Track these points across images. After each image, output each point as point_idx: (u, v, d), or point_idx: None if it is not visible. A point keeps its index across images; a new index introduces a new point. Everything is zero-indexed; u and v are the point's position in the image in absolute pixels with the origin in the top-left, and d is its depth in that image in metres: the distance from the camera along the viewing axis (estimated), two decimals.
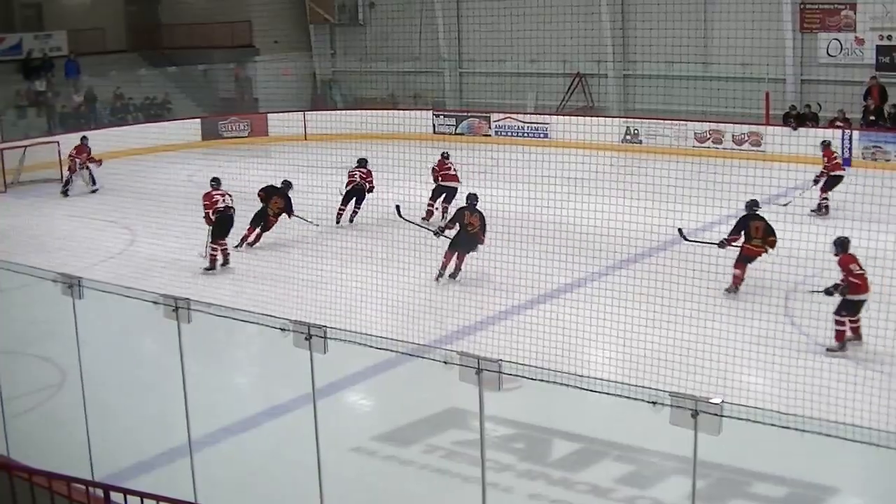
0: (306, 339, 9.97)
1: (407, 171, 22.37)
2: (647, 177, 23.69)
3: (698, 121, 37.17)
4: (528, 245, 18.82)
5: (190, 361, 10.98)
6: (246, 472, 12.76)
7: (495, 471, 11.57)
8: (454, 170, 25.94)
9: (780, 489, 11.86)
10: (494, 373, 9.26)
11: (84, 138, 32.54)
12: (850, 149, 34.42)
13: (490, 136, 40.16)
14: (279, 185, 23.91)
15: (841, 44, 37.78)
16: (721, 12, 35.98)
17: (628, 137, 37.93)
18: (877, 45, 37.02)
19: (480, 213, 20.55)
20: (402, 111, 40.75)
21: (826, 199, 25.92)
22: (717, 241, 19.71)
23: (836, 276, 16.63)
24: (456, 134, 40.47)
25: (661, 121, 37.72)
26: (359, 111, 41.25)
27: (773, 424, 8.95)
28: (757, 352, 14.68)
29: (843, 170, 27.11)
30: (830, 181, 26.11)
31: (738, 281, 19.39)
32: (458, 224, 20.48)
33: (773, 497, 11.74)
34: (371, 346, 10.40)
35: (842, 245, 16.86)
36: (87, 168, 31.71)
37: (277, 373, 15.26)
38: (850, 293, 16.26)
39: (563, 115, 40.09)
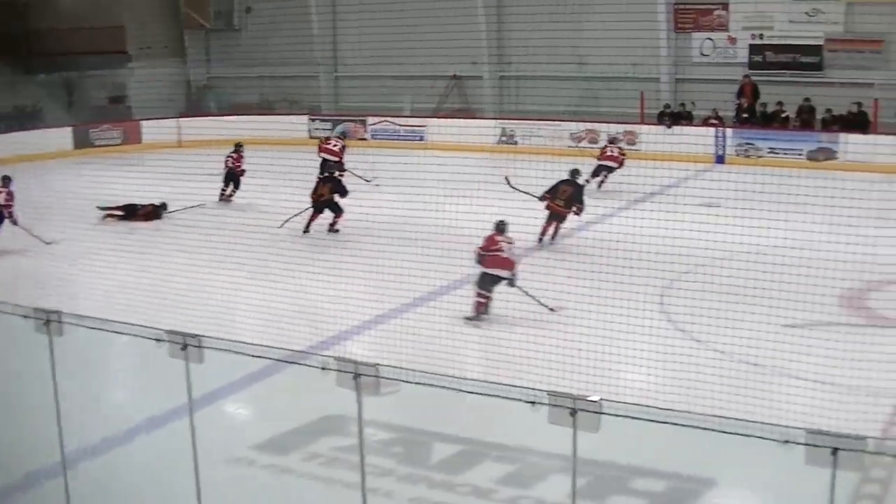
0: (182, 349, 9.79)
1: (280, 176, 22.20)
2: (523, 178, 23.75)
3: (574, 121, 37.45)
4: (405, 248, 18.75)
5: (62, 376, 10.72)
6: (122, 488, 12.51)
7: (376, 476, 11.47)
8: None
9: (659, 483, 11.93)
10: (372, 377, 9.18)
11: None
12: (723, 146, 34.97)
13: (366, 139, 40.04)
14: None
15: (714, 43, 38.37)
16: (596, 13, 36.27)
17: (504, 139, 38.08)
18: (749, 45, 37.81)
19: None
20: (277, 116, 40.55)
21: None
22: (539, 196, 22.26)
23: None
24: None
25: (537, 121, 37.91)
26: (234, 116, 40.84)
27: (651, 420, 8.98)
28: (634, 348, 14.73)
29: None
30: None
31: (542, 233, 22.96)
32: None
33: (654, 492, 11.80)
34: (247, 355, 10.27)
35: (498, 226, 18.28)
36: None
37: (153, 385, 14.98)
38: (487, 266, 17.60)
39: (440, 118, 40.12)
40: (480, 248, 18.17)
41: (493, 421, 12.15)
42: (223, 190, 29.42)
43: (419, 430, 13.33)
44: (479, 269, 18.01)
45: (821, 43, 36.78)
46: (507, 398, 9.13)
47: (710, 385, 12.87)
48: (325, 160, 29.32)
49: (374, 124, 40.35)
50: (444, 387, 9.56)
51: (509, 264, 18.04)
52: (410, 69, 41.43)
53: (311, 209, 24.83)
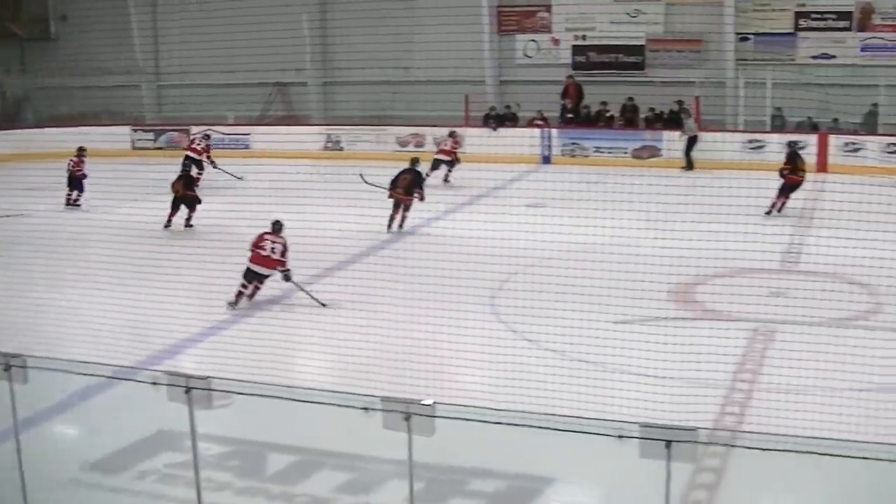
0: (4, 369, 9.51)
1: (105, 187, 21.77)
2: (348, 183, 23.70)
3: (399, 125, 37.47)
4: (232, 258, 18.56)
5: None
6: None
7: (212, 490, 11.26)
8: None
9: (498, 483, 11.93)
10: (204, 390, 9.04)
11: None
12: (549, 147, 35.32)
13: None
14: None
15: (538, 44, 38.76)
16: (421, 17, 36.35)
17: (329, 145, 37.92)
18: (573, 46, 38.38)
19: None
20: (98, 127, 39.71)
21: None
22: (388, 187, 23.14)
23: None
24: (156, 148, 39.68)
25: (362, 127, 37.84)
26: (53, 128, 39.78)
27: (485, 421, 8.99)
28: (467, 350, 14.74)
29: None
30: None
31: (390, 222, 23.99)
32: None
33: (492, 492, 11.81)
34: (74, 372, 10.02)
35: (273, 225, 19.13)
36: None
37: None
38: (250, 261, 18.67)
39: (264, 125, 39.81)
40: (251, 243, 18.95)
41: (329, 429, 12.03)
42: (69, 195, 29.34)
43: (255, 442, 13.13)
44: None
45: (642, 43, 37.51)
46: (341, 405, 9.06)
47: (544, 384, 12.93)
48: (186, 157, 30.52)
49: (197, 133, 39.72)
50: (277, 397, 9.47)
51: (269, 262, 18.81)
52: (234, 77, 41.00)
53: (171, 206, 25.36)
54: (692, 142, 33.65)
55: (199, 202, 25.24)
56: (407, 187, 24.47)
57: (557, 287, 16.26)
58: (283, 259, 18.93)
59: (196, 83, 41.78)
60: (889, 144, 31.27)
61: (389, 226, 24.14)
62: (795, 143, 28.04)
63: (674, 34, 37.17)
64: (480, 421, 9.03)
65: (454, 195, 24.73)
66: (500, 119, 37.14)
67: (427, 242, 20.50)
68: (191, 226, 25.01)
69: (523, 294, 16.95)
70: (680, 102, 35.22)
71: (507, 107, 37.67)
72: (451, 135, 32.74)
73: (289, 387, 10.06)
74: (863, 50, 35.26)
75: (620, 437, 8.34)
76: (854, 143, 32.11)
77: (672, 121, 35.14)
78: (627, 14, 37.51)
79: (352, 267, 20.70)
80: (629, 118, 35.97)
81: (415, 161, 25.54)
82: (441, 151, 31.78)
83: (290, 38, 37.85)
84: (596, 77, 37.69)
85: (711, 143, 32.25)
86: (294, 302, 18.56)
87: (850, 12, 35.26)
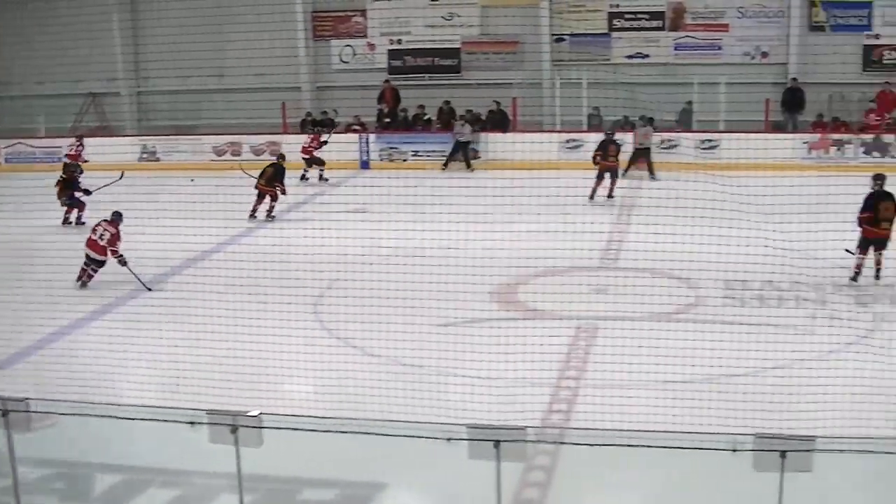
0: None
1: None
2: (172, 195, 23.34)
3: (215, 134, 37.03)
4: (47, 276, 18.12)
5: None
6: None
7: None
8: None
9: (330, 492, 11.83)
10: (22, 412, 8.79)
11: None
12: (367, 151, 35.29)
13: (1, 164, 38.35)
14: None
15: (354, 50, 38.73)
16: (235, 24, 35.99)
17: (145, 155, 37.28)
18: (388, 50, 38.29)
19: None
20: None
21: None
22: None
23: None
24: None
25: (178, 136, 37.30)
26: None
27: (313, 430, 8.90)
28: (292, 359, 14.61)
29: None
30: None
31: (253, 210, 25.30)
32: None
33: (324, 500, 11.71)
34: None
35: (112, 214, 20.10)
36: None
37: None
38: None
39: (77, 137, 38.97)
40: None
41: (155, 445, 11.81)
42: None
43: (79, 463, 12.78)
44: None
45: (458, 46, 37.69)
46: (166, 421, 8.90)
47: (371, 390, 12.89)
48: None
49: (7, 147, 38.67)
50: (99, 415, 9.25)
51: (97, 248, 20.17)
52: (44, 88, 40.05)
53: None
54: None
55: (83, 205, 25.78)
56: (268, 179, 26.14)
57: (380, 292, 16.24)
58: (111, 247, 20.12)
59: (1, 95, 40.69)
60: (704, 140, 31.96)
61: (253, 215, 25.78)
62: (611, 132, 28.56)
63: (489, 36, 37.50)
64: (308, 430, 8.94)
65: (278, 203, 24.45)
66: (318, 125, 36.97)
67: (248, 252, 20.27)
68: (82, 223, 25.27)
69: (346, 300, 16.89)
70: (497, 104, 35.49)
71: (325, 112, 37.50)
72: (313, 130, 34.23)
73: (112, 404, 9.83)
74: (676, 49, 36.08)
75: (449, 439, 8.34)
76: (670, 140, 32.79)
77: (493, 122, 35.35)
78: (443, 17, 37.71)
79: (173, 279, 20.36)
80: (446, 121, 36.07)
81: (280, 157, 27.43)
82: (303, 150, 32.54)
83: (101, 48, 37.22)
84: (412, 81, 37.82)
85: (530, 144, 32.51)
86: (115, 317, 18.17)
87: (663, 12, 36.05)
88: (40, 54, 35.86)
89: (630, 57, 36.39)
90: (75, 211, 26.27)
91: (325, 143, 32.19)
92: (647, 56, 36.35)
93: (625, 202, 26.00)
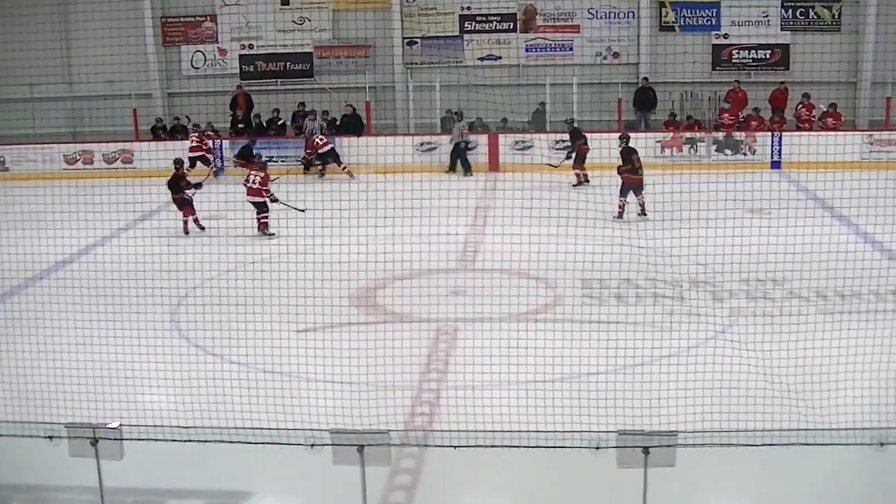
0: None
1: None
2: (17, 205, 22.90)
3: (65, 143, 36.44)
4: None
5: None
6: None
7: None
8: None
9: (196, 502, 11.73)
10: None
11: None
12: (221, 158, 35.02)
13: None
14: None
15: (204, 55, 38.43)
16: (82, 30, 35.40)
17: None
18: (240, 55, 38.11)
19: None
20: None
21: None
22: None
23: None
24: None
25: (28, 145, 36.58)
26: None
27: (174, 440, 8.83)
28: (151, 369, 14.46)
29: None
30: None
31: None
32: None
33: None
34: None
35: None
36: None
37: None
38: None
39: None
40: None
41: (14, 461, 11.58)
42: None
43: None
44: None
45: (310, 50, 37.60)
46: (24, 436, 8.77)
47: (232, 397, 12.79)
48: None
49: None
50: None
51: (254, 192, 22.84)
52: None
53: None
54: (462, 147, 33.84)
55: None
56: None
57: (239, 299, 16.16)
58: (263, 187, 22.73)
59: None
60: (557, 141, 32.27)
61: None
62: (627, 137, 28.24)
63: (341, 40, 37.50)
64: (169, 440, 8.86)
65: (126, 211, 24.13)
66: (171, 132, 36.57)
67: (102, 262, 19.97)
68: None
69: (204, 308, 16.74)
70: (352, 107, 35.43)
71: (177, 119, 37.12)
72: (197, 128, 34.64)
73: None
74: (527, 50, 36.45)
75: (313, 445, 8.33)
76: (524, 142, 33.11)
77: (348, 126, 35.28)
78: (294, 22, 37.64)
79: (26, 291, 20.00)
80: (300, 125, 35.91)
81: (178, 162, 25.99)
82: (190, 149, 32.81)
83: None
84: (265, 86, 37.66)
85: (384, 147, 32.56)
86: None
87: (514, 14, 36.40)
88: None
89: (482, 59, 36.70)
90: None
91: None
92: (499, 58, 36.69)
93: (480, 203, 26.15)
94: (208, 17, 38.46)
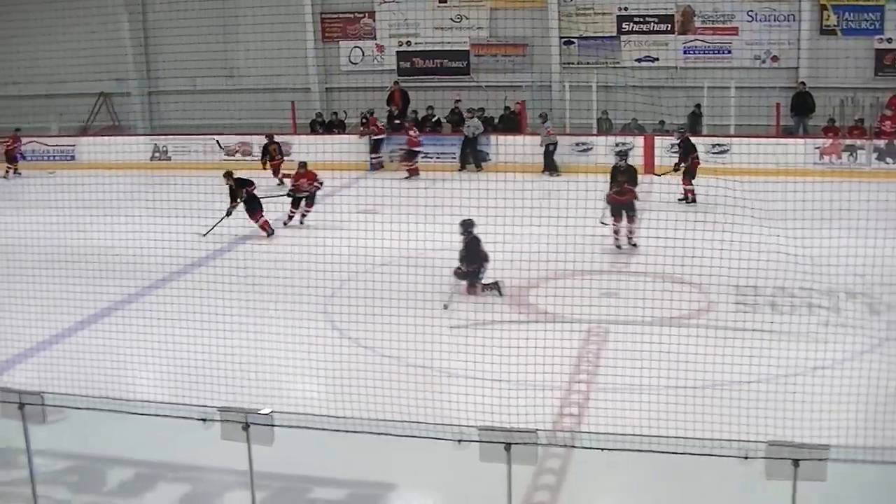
0: None
1: None
2: (177, 194, 23.34)
3: (226, 134, 37.08)
4: (61, 272, 18.16)
5: None
6: None
7: None
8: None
9: (340, 491, 11.86)
10: (37, 405, 8.82)
11: None
12: (382, 150, 35.35)
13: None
14: None
15: (362, 51, 38.79)
16: (245, 24, 36.11)
17: (157, 155, 37.31)
18: (397, 52, 38.37)
19: None
20: None
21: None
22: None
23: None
24: None
25: (189, 136, 37.34)
26: None
27: (323, 429, 8.92)
28: (303, 359, 14.62)
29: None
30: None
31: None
32: None
33: (335, 499, 11.73)
34: None
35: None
36: None
37: None
38: None
39: (89, 136, 39.09)
40: None
41: (167, 441, 11.84)
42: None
43: (92, 457, 12.83)
44: None
45: (467, 48, 37.68)
46: (178, 417, 8.92)
47: (382, 390, 12.88)
48: None
49: (23, 145, 38.75)
50: (112, 410, 9.29)
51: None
52: (57, 87, 40.23)
53: None
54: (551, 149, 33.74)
55: None
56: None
57: (391, 293, 16.25)
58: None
59: (16, 94, 40.77)
60: (714, 145, 31.91)
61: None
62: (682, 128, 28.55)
63: (498, 39, 37.51)
64: (319, 429, 8.96)
65: (284, 204, 24.47)
66: (328, 126, 36.99)
67: (259, 251, 20.31)
68: None
69: (357, 301, 16.89)
70: (508, 108, 35.52)
71: (335, 113, 37.54)
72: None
73: (125, 400, 9.86)
74: (685, 52, 36.03)
75: (460, 441, 8.35)
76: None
77: (505, 125, 35.30)
78: (451, 19, 37.76)
79: (184, 277, 20.41)
80: (456, 122, 36.05)
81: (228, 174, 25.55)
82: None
83: (113, 48, 37.28)
84: (421, 82, 37.88)
85: (540, 147, 32.56)
86: (127, 313, 18.21)
87: (672, 16, 36.00)
88: (53, 54, 35.90)
89: (639, 60, 36.39)
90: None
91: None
92: (656, 59, 36.35)
93: (638, 206, 25.95)
94: (367, 14, 38.83)
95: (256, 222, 24.30)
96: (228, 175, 24.85)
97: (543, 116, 33.78)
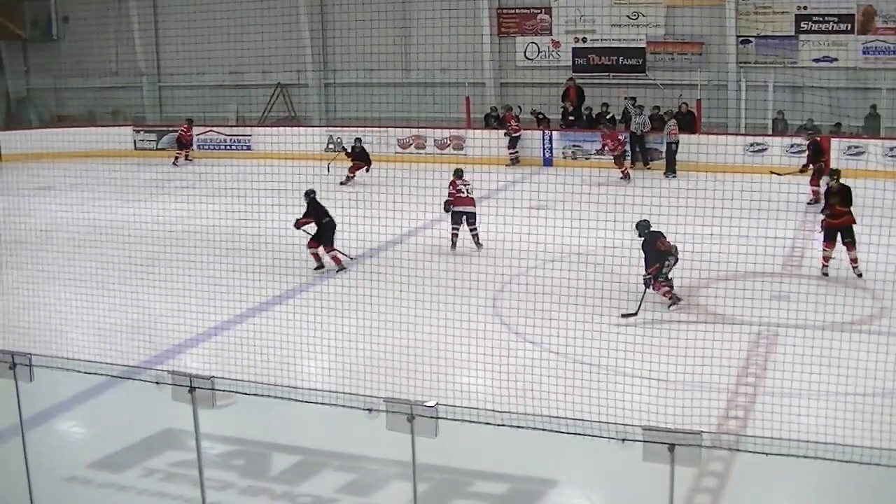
0: (10, 368, 9.54)
1: (110, 188, 21.76)
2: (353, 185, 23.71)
3: (400, 126, 37.46)
4: (235, 259, 18.59)
5: None
6: None
7: (216, 489, 11.30)
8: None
9: (501, 486, 11.94)
10: (207, 390, 9.05)
11: None
12: (550, 149, 35.31)
13: (193, 149, 39.36)
14: None
15: (538, 47, 38.79)
16: (420, 18, 36.41)
17: (331, 146, 37.81)
18: (573, 48, 38.27)
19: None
20: (100, 128, 39.76)
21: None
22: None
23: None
24: (158, 149, 39.73)
25: (364, 128, 37.77)
26: (56, 129, 39.87)
27: (487, 423, 9.00)
28: (470, 352, 14.74)
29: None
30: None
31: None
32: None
33: (495, 494, 11.81)
34: (79, 371, 10.02)
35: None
36: None
37: None
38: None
39: (266, 127, 39.84)
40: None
41: (332, 429, 12.05)
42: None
43: (258, 442, 13.15)
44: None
45: (643, 45, 37.44)
46: (344, 406, 9.07)
47: (546, 386, 12.94)
48: None
49: (200, 134, 39.70)
50: (280, 397, 9.47)
51: (469, 202, 22.36)
52: (235, 78, 41.14)
53: None
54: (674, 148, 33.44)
55: None
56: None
57: (560, 289, 16.28)
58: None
59: (196, 84, 41.77)
60: (892, 148, 31.19)
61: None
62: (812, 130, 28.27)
63: (674, 37, 37.16)
64: (483, 423, 9.04)
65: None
66: (502, 121, 37.10)
67: (429, 244, 20.50)
68: None
69: (525, 296, 16.97)
70: (685, 104, 35.17)
71: (509, 108, 37.64)
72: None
73: (292, 387, 10.05)
74: (864, 53, 35.24)
75: (624, 440, 8.35)
76: (857, 147, 32.01)
77: (681, 123, 34.99)
78: (627, 17, 37.49)
79: (356, 268, 20.72)
80: (627, 120, 35.82)
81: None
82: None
83: (291, 39, 37.92)
84: (596, 79, 37.77)
85: (714, 146, 32.14)
86: (297, 302, 18.56)
87: (852, 15, 35.21)
88: (231, 45, 36.63)
89: (817, 60, 35.70)
90: None
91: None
92: (835, 59, 35.59)
93: (810, 209, 25.57)
94: (543, 10, 38.80)
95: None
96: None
97: (669, 114, 33.94)
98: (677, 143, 33.00)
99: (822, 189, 24.01)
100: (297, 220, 20.84)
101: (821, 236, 19.88)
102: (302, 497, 11.76)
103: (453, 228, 22.50)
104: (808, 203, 26.25)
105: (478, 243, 22.20)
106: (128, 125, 41.62)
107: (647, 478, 8.62)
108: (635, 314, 17.34)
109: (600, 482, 11.68)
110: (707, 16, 35.45)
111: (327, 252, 20.85)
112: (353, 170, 31.62)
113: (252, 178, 21.92)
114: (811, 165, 27.35)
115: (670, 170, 32.64)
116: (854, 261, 19.34)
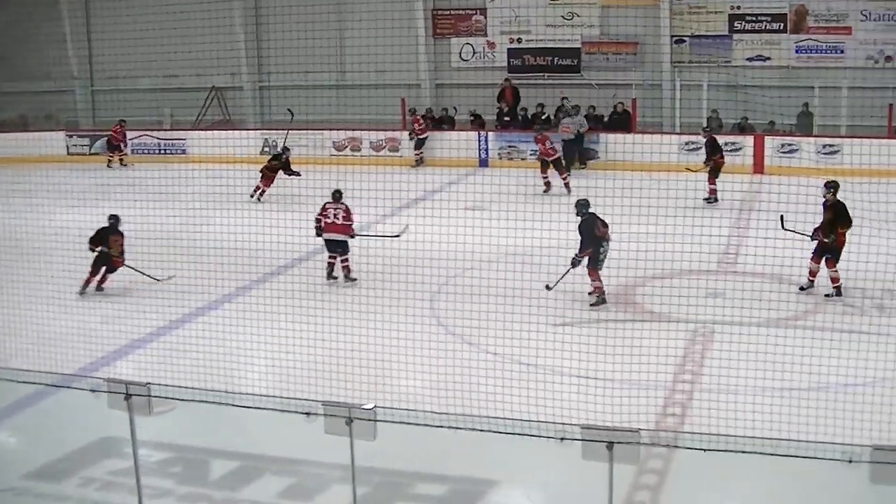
0: None
1: (45, 195, 21.57)
2: (289, 188, 23.61)
3: (335, 129, 37.34)
4: (172, 263, 18.48)
5: None
6: None
7: (154, 497, 11.20)
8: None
9: (441, 487, 11.92)
10: (144, 397, 9.00)
11: None
12: (486, 150, 35.37)
13: (126, 154, 39.00)
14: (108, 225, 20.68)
15: (473, 48, 38.86)
16: (355, 20, 36.33)
17: (267, 149, 37.60)
18: (508, 49, 38.37)
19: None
20: (32, 133, 39.31)
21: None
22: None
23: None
24: (91, 154, 39.34)
25: (299, 131, 37.60)
26: None
27: (426, 424, 9.00)
28: (407, 354, 14.72)
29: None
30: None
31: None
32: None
33: (436, 496, 11.80)
34: (12, 381, 9.94)
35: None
36: None
37: None
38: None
39: (201, 130, 39.59)
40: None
41: (271, 434, 12.01)
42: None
43: (197, 448, 13.04)
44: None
45: (578, 46, 37.60)
46: (283, 410, 9.05)
47: (485, 387, 12.94)
48: None
49: (133, 138, 39.36)
50: (217, 402, 9.44)
51: (338, 228, 20.09)
52: (169, 81, 40.86)
53: None
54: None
55: None
56: None
57: (496, 290, 16.30)
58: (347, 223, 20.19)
59: (130, 88, 41.48)
60: (825, 146, 31.47)
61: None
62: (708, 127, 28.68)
63: (609, 37, 37.34)
64: (422, 424, 9.05)
65: (392, 199, 24.65)
66: (438, 122, 37.14)
67: (365, 246, 20.45)
68: None
69: (462, 297, 16.97)
70: (621, 104, 35.33)
71: (444, 110, 37.67)
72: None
73: (230, 392, 10.02)
74: (797, 52, 35.57)
75: (563, 439, 8.39)
76: (790, 145, 32.30)
77: (615, 123, 35.12)
78: (562, 17, 37.63)
79: (290, 272, 20.64)
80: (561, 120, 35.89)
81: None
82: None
83: (225, 42, 37.71)
84: (532, 80, 37.88)
85: (650, 146, 32.29)
86: (235, 307, 18.46)
87: (785, 14, 35.55)
88: (165, 48, 36.39)
89: (751, 59, 36.02)
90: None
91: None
92: (768, 58, 35.91)
93: (744, 206, 25.76)
94: (478, 11, 38.87)
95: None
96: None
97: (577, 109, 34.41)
98: (576, 140, 33.55)
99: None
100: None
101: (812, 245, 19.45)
102: (242, 502, 11.70)
103: (329, 257, 20.44)
104: (706, 200, 26.36)
105: (348, 277, 20.11)
106: (60, 130, 41.15)
107: (587, 476, 8.66)
108: (552, 287, 17.50)
109: (540, 481, 11.70)
110: (641, 16, 35.67)
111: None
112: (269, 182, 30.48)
113: (188, 181, 21.77)
114: (708, 163, 27.57)
115: (567, 169, 32.22)
116: (835, 280, 18.42)
